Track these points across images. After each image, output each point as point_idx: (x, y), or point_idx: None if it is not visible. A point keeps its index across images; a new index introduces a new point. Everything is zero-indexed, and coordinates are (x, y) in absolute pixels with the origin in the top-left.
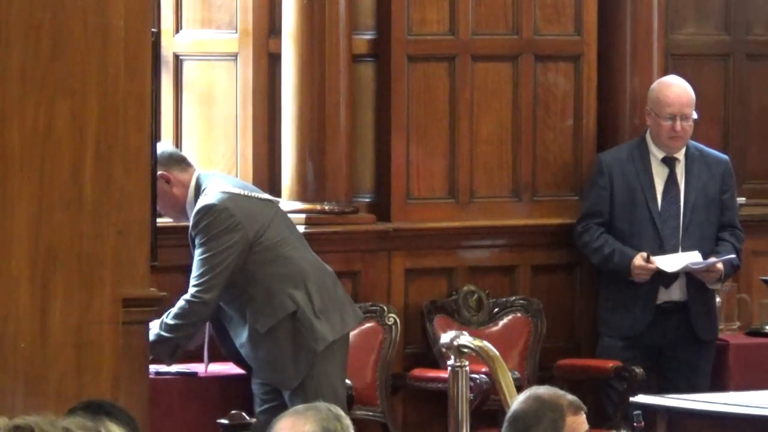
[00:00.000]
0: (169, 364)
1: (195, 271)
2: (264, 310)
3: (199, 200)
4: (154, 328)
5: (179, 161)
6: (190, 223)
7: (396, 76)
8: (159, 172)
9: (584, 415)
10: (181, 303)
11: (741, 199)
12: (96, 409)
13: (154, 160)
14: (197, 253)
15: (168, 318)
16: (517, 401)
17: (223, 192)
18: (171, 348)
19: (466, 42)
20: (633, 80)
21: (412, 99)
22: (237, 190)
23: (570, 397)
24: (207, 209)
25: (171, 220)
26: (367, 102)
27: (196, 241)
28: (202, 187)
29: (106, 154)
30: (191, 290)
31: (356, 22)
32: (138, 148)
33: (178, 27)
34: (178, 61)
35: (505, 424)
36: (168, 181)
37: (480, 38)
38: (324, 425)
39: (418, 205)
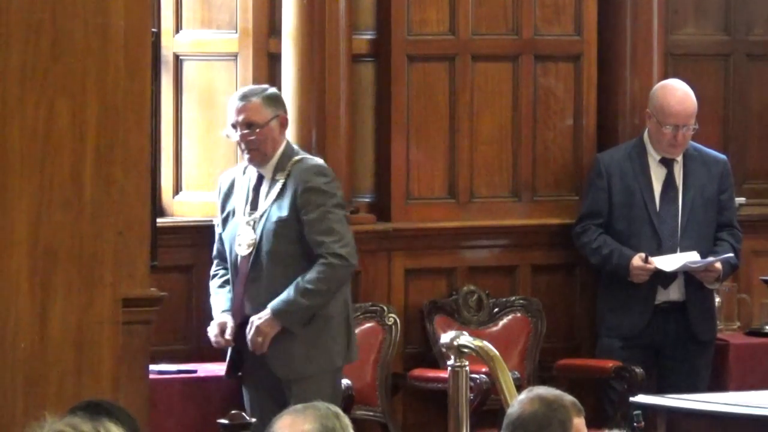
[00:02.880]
0: (299, 331)
1: (329, 233)
2: None
3: (308, 160)
4: (286, 295)
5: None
6: (311, 182)
7: (396, 76)
8: (280, 114)
9: (583, 419)
10: (321, 268)
11: (741, 199)
12: (96, 409)
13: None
14: (330, 215)
15: (308, 284)
16: (519, 403)
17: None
18: (307, 316)
19: (466, 42)
20: (633, 80)
21: (412, 99)
22: None
23: (570, 397)
24: (332, 174)
25: (250, 164)
26: (367, 102)
27: (311, 206)
28: (295, 150)
29: (106, 154)
30: (335, 252)
31: (356, 22)
32: (138, 148)
33: (178, 27)
34: (178, 61)
35: (509, 428)
36: (283, 125)
37: (480, 38)
38: (323, 423)
39: (418, 205)
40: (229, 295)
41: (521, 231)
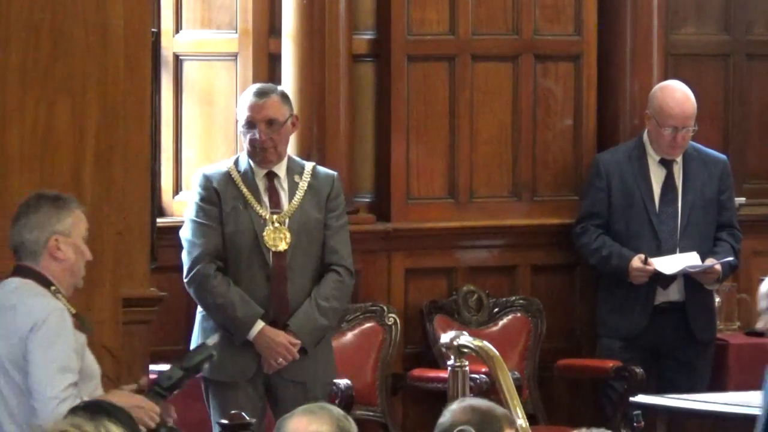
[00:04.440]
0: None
1: (345, 245)
2: None
3: (318, 167)
4: (306, 317)
5: None
6: (339, 189)
7: (396, 76)
8: (293, 113)
9: (515, 430)
10: (338, 285)
11: (741, 199)
12: (96, 409)
13: (153, 158)
14: (347, 227)
15: (326, 302)
16: (451, 413)
17: None
18: (323, 335)
19: (466, 42)
20: (633, 80)
21: (412, 99)
22: None
23: (502, 409)
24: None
25: (259, 164)
26: (367, 102)
27: (339, 212)
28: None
29: (106, 154)
30: (348, 267)
31: (356, 22)
32: (138, 148)
33: (178, 27)
34: (178, 61)
35: None
36: (294, 125)
37: (480, 38)
38: (339, 425)
39: (418, 205)
40: (245, 295)
41: (521, 231)
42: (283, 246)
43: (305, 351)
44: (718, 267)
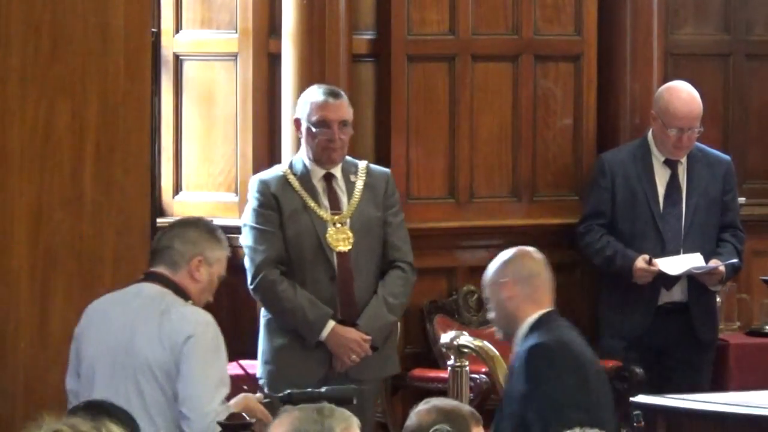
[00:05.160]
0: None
1: (406, 241)
2: None
3: (372, 166)
4: (376, 314)
5: None
6: (394, 186)
7: (396, 76)
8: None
9: (482, 428)
10: (402, 282)
11: (741, 199)
12: (96, 409)
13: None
14: (402, 223)
15: (394, 299)
16: (416, 415)
17: None
18: (392, 329)
19: (466, 42)
20: (633, 80)
21: (412, 99)
22: None
23: (468, 407)
24: None
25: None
26: (367, 102)
27: (396, 208)
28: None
29: (106, 154)
30: (410, 262)
31: (356, 22)
32: (138, 148)
33: (178, 27)
34: (178, 61)
35: None
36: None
37: (480, 38)
38: (298, 427)
39: (418, 205)
40: (312, 297)
41: (521, 231)
42: (346, 246)
43: (375, 348)
44: (722, 268)
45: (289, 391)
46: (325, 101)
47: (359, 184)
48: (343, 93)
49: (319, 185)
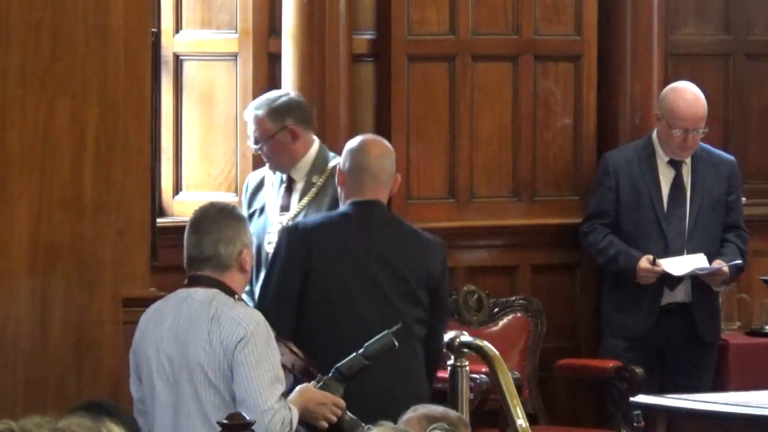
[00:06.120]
0: None
1: None
2: None
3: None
4: None
5: (308, 121)
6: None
7: (396, 76)
8: (286, 125)
9: None
10: None
11: (742, 200)
12: (96, 409)
13: (152, 155)
14: None
15: None
16: (406, 423)
17: None
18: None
19: (466, 42)
20: (633, 80)
21: (412, 99)
22: None
23: (455, 413)
24: None
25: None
26: (367, 102)
27: None
28: (328, 152)
29: (106, 154)
30: None
31: (356, 22)
32: (138, 148)
33: (178, 27)
34: (178, 61)
35: None
36: (294, 136)
37: (480, 38)
38: None
39: (418, 205)
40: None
41: (521, 231)
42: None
43: None
44: (726, 269)
45: (334, 368)
46: (245, 116)
47: (315, 188)
48: (263, 106)
49: (282, 186)
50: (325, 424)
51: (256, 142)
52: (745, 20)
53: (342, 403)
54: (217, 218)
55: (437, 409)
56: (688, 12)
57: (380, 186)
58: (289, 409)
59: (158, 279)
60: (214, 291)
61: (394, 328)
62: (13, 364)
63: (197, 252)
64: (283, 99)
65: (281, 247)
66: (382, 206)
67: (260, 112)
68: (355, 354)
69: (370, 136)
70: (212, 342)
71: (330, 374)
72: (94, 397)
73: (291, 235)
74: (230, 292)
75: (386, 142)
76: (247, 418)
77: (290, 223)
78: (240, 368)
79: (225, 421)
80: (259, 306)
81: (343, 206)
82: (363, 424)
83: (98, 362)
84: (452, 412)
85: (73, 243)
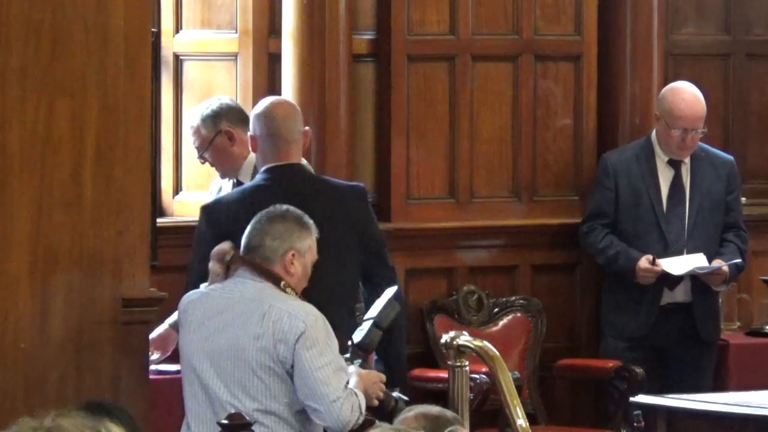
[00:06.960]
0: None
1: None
2: None
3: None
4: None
5: (244, 120)
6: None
7: (396, 76)
8: (224, 128)
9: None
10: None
11: (741, 199)
12: (96, 409)
13: (152, 156)
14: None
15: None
16: (403, 423)
17: None
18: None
19: (466, 42)
20: (633, 80)
21: (412, 99)
22: None
23: (450, 411)
24: None
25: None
26: (367, 102)
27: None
28: None
29: (106, 154)
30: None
31: (356, 22)
32: (138, 148)
33: (178, 27)
34: (178, 61)
35: None
36: (231, 138)
37: (480, 38)
38: None
39: (418, 205)
40: None
41: (521, 231)
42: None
43: None
44: (725, 268)
45: (353, 344)
46: None
47: None
48: (198, 115)
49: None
50: (376, 402)
51: (198, 151)
52: (745, 20)
53: (384, 377)
54: (278, 215)
55: (433, 408)
56: (688, 12)
57: (292, 148)
58: (356, 394)
59: (158, 279)
60: (265, 285)
61: (392, 291)
62: (13, 364)
63: (248, 239)
64: (215, 105)
65: (201, 228)
66: (298, 167)
67: (195, 122)
68: (370, 327)
69: (273, 98)
70: (266, 340)
71: (349, 353)
72: (94, 397)
73: (209, 214)
74: (277, 280)
75: (290, 102)
76: (318, 409)
77: (208, 202)
78: (303, 363)
79: (225, 422)
80: (187, 288)
81: (259, 174)
82: (393, 396)
83: (98, 362)
84: (448, 412)
85: (73, 243)
